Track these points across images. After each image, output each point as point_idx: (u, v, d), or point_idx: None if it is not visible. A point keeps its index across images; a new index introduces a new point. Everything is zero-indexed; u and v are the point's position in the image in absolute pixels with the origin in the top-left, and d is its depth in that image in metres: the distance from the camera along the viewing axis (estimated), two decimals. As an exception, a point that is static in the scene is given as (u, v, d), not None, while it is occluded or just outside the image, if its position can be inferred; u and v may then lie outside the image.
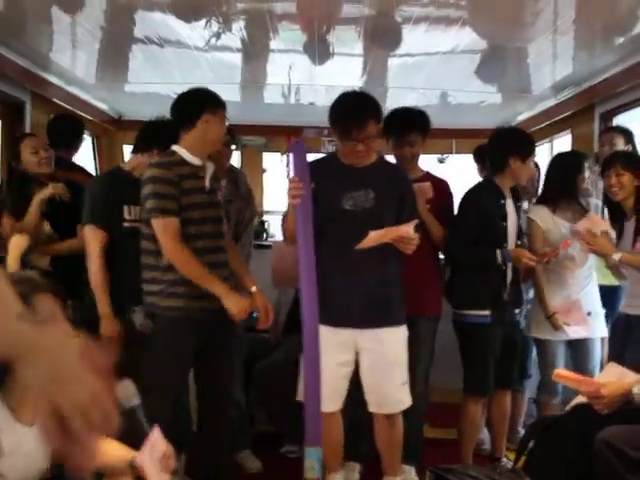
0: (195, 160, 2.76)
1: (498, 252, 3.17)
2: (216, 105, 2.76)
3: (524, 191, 3.64)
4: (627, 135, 3.68)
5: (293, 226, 2.76)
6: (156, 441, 1.76)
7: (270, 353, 3.94)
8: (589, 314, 3.44)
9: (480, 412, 3.38)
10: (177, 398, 2.70)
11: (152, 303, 2.77)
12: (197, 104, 2.74)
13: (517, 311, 3.37)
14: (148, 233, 2.76)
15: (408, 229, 2.66)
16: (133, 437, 1.80)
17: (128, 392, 1.76)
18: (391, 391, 2.88)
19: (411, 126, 3.26)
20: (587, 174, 3.45)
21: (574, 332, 3.39)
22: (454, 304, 3.36)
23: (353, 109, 2.78)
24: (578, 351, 3.45)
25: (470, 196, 3.32)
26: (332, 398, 2.85)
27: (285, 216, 2.95)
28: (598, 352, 3.49)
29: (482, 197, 3.28)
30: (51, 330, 0.90)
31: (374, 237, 2.66)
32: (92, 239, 2.95)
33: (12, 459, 1.73)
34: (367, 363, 2.87)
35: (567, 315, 3.39)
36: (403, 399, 2.90)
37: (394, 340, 2.87)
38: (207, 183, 2.78)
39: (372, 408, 2.93)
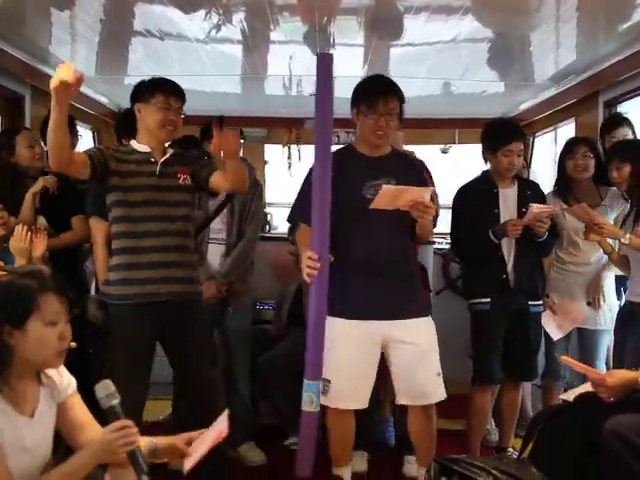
0: (142, 147, 2.80)
1: (490, 232, 3.18)
2: (148, 93, 2.79)
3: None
4: (631, 125, 3.67)
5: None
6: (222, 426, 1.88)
7: (273, 346, 3.94)
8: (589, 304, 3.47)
9: (488, 402, 3.39)
10: (139, 386, 2.72)
11: (102, 292, 2.84)
12: (132, 97, 2.86)
13: (538, 303, 3.33)
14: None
15: (424, 193, 2.59)
16: None
17: (107, 391, 1.78)
18: (426, 382, 2.80)
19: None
20: (580, 157, 3.45)
21: (556, 328, 3.43)
22: (464, 296, 3.44)
23: (380, 83, 2.85)
24: (586, 340, 3.48)
25: (461, 189, 3.43)
26: (354, 395, 2.80)
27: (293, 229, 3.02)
28: (605, 344, 3.50)
29: (472, 187, 3.38)
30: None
31: (387, 192, 2.57)
32: (97, 230, 3.12)
33: (15, 451, 1.73)
34: (398, 355, 2.80)
35: (564, 316, 3.43)
36: (438, 390, 2.83)
37: (424, 330, 2.82)
38: (158, 167, 2.77)
39: (405, 400, 2.86)
